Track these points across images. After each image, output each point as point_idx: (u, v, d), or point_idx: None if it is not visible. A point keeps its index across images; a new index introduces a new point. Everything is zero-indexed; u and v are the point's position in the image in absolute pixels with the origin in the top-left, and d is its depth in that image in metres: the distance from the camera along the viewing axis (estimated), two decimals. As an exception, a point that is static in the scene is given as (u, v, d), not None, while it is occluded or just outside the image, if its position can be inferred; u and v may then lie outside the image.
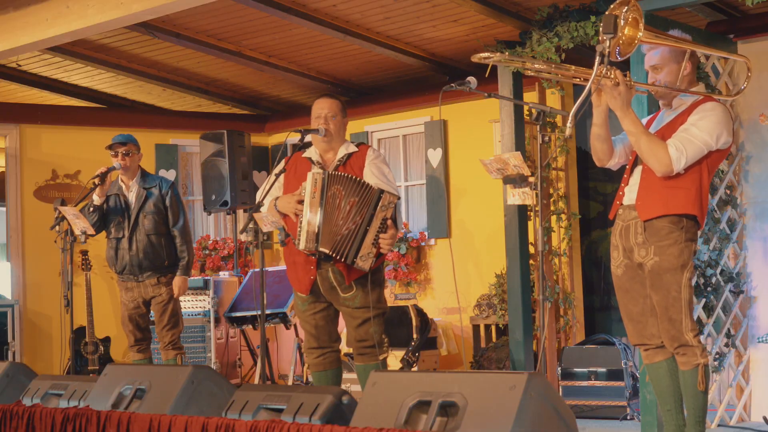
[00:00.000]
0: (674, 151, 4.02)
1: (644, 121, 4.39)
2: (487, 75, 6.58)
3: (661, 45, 4.13)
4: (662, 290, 4.13)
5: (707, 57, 5.66)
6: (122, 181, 6.45)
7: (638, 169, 4.24)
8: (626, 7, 3.78)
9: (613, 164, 4.38)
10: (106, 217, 6.42)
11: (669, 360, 4.25)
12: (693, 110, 4.13)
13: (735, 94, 4.58)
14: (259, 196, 5.01)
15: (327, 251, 4.78)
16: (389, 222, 4.81)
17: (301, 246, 4.80)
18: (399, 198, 4.90)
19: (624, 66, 4.08)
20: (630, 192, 4.25)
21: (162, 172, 9.08)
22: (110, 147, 6.41)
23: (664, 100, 4.29)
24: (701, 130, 4.05)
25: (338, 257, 4.78)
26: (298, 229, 4.82)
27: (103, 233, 6.52)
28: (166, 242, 6.36)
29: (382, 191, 4.79)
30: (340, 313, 5.11)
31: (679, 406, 4.25)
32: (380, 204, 4.77)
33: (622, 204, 4.28)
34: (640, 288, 4.25)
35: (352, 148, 5.06)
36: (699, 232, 4.25)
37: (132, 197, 6.40)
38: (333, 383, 5.09)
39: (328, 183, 4.79)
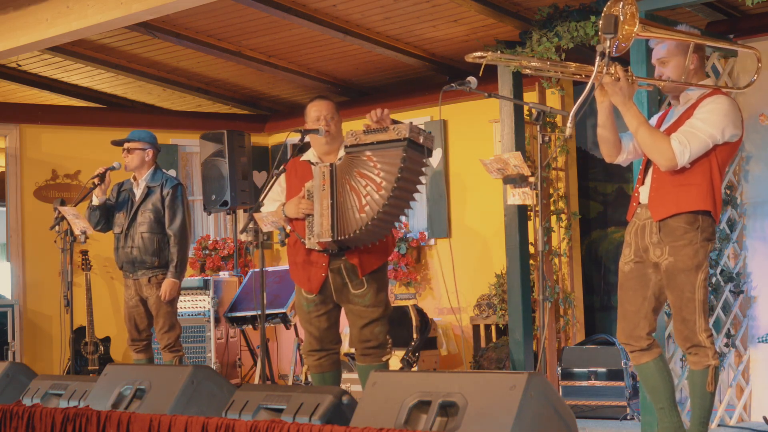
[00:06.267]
0: (677, 145, 3.98)
1: (655, 118, 4.36)
2: (480, 74, 6.60)
3: (664, 39, 4.12)
4: (676, 290, 4.11)
5: (708, 56, 5.65)
6: (134, 177, 6.45)
7: (652, 168, 4.20)
8: (623, 3, 3.78)
9: (622, 160, 4.35)
10: (113, 214, 6.41)
11: (656, 360, 4.24)
12: (699, 104, 4.09)
13: (745, 86, 4.47)
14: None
15: (345, 237, 4.64)
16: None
17: (323, 238, 4.66)
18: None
19: (625, 61, 4.08)
20: (644, 191, 4.22)
21: (162, 172, 9.08)
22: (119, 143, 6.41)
23: (672, 94, 4.25)
24: (706, 123, 4.00)
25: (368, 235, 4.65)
26: (312, 225, 4.74)
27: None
28: (159, 242, 6.29)
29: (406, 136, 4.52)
30: (342, 315, 5.09)
31: (672, 404, 4.24)
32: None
33: (639, 203, 4.26)
34: (642, 289, 4.24)
35: None
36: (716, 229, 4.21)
37: (138, 194, 6.39)
38: (333, 385, 5.07)
39: (338, 174, 4.69)
